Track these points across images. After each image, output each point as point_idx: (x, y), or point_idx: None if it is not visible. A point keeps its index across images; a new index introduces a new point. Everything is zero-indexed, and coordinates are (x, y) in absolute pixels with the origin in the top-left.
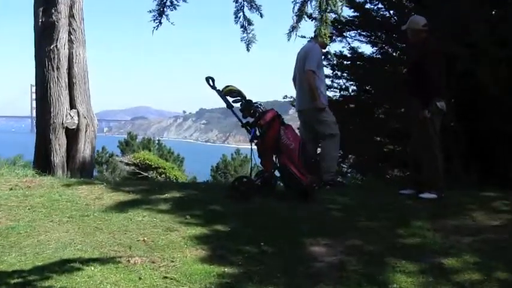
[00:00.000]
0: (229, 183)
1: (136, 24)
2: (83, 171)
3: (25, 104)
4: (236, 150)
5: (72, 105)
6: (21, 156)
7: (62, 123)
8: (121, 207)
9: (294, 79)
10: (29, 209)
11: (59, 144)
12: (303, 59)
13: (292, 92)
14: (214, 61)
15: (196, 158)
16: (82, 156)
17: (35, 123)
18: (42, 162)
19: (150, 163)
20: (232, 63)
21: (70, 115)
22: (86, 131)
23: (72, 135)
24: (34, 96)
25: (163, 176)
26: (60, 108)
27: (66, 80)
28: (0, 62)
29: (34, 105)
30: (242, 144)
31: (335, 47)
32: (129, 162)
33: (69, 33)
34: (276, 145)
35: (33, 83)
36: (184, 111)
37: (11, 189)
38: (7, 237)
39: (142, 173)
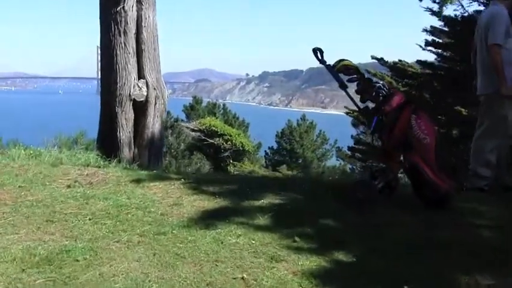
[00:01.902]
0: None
1: None
2: (151, 148)
3: (92, 65)
4: (302, 116)
5: (141, 75)
6: (84, 133)
7: (129, 95)
8: (207, 219)
9: (474, 54)
10: (89, 219)
11: (126, 119)
12: (484, 28)
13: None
14: (278, 20)
15: (260, 122)
16: (151, 131)
17: (100, 85)
18: (107, 139)
19: (216, 129)
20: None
21: (138, 86)
22: (155, 103)
23: (140, 108)
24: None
25: (229, 143)
26: (127, 77)
27: (134, 46)
28: (67, 22)
29: (100, 66)
30: (305, 108)
31: None
32: (195, 128)
33: None
34: (406, 139)
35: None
36: (247, 74)
37: (68, 186)
38: (60, 266)
39: (208, 139)
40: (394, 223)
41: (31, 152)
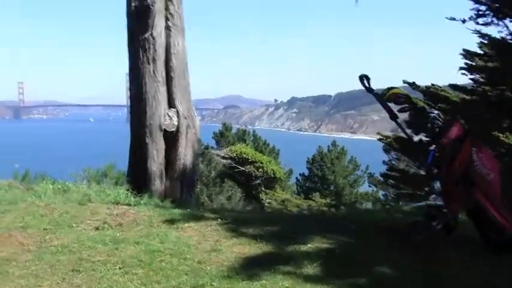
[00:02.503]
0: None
1: (228, 11)
2: (183, 180)
3: (122, 93)
4: (332, 142)
5: (171, 104)
6: (113, 166)
7: (160, 125)
8: (249, 268)
9: None
10: (119, 268)
11: (157, 150)
12: None
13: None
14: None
15: (290, 148)
16: (183, 163)
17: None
18: (137, 171)
19: (246, 157)
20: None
21: (168, 115)
22: (186, 133)
23: (171, 138)
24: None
25: (260, 170)
26: (157, 107)
27: (164, 74)
28: (97, 50)
29: (129, 93)
30: (334, 133)
31: None
32: (226, 155)
33: (166, 18)
34: (467, 175)
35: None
36: (275, 100)
37: (97, 228)
38: None
39: (239, 167)
40: (455, 269)
41: (59, 186)
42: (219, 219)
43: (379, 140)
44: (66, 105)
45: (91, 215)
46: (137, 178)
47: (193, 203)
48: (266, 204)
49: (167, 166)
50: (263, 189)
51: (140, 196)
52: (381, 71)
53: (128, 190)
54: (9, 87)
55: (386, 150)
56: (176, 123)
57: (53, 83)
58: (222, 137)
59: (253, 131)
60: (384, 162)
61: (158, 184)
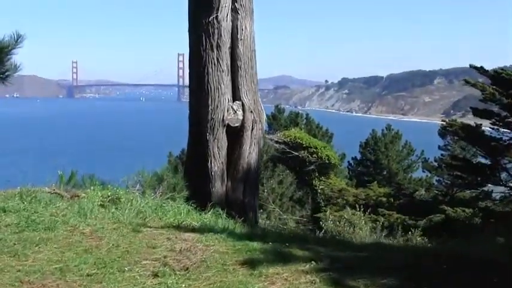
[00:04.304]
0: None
1: None
2: (246, 181)
3: (173, 72)
4: (387, 126)
5: (236, 96)
6: (170, 171)
7: (223, 120)
8: None
9: None
10: None
11: (219, 147)
12: None
13: None
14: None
15: (340, 130)
16: (247, 162)
17: (181, 92)
18: (196, 171)
19: (301, 142)
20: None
21: (233, 109)
22: (252, 129)
23: (235, 134)
24: (181, 65)
25: (314, 155)
26: (221, 99)
27: (229, 62)
28: (150, 30)
29: (181, 73)
30: (384, 115)
31: None
32: (279, 140)
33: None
34: None
35: (181, 51)
36: (326, 81)
37: (156, 275)
38: None
39: (292, 152)
40: None
41: (109, 194)
42: (312, 262)
43: (444, 127)
44: (118, 85)
45: (147, 249)
46: (196, 179)
47: (256, 207)
48: (319, 191)
49: (229, 165)
50: (317, 175)
51: (203, 211)
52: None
53: (188, 203)
54: (64, 66)
55: (442, 135)
56: (241, 118)
57: (105, 62)
58: (274, 119)
59: (307, 114)
60: (439, 147)
61: (219, 186)
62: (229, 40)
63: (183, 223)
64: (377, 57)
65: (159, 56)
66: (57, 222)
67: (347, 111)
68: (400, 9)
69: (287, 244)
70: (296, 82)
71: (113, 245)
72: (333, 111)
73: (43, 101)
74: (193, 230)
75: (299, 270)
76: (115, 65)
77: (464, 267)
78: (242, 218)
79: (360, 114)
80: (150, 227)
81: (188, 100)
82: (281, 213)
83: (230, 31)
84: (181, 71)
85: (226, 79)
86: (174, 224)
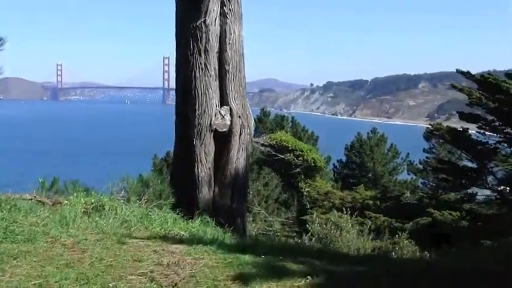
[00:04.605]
0: None
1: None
2: (234, 186)
3: (158, 75)
4: (372, 129)
5: (223, 101)
6: (156, 176)
7: (210, 125)
8: None
9: None
10: None
11: (206, 153)
12: None
13: None
14: (343, 30)
15: (325, 133)
16: (234, 167)
17: (166, 95)
18: (183, 177)
19: (286, 145)
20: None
21: (220, 114)
22: (240, 134)
23: (222, 140)
24: (166, 68)
25: (300, 158)
26: (208, 104)
27: (217, 67)
28: (133, 32)
29: (166, 76)
30: (369, 118)
31: None
32: (265, 143)
33: (222, 3)
34: None
35: (166, 54)
36: (311, 84)
37: None
38: None
39: (278, 155)
40: None
41: (92, 201)
42: (308, 277)
43: (430, 130)
44: (102, 87)
45: (133, 262)
46: (182, 184)
47: (245, 213)
48: (305, 193)
49: (216, 171)
50: (302, 177)
51: (191, 219)
52: (420, 56)
53: (174, 211)
54: (48, 68)
55: (427, 138)
56: (229, 123)
57: (90, 65)
58: (260, 122)
59: (292, 117)
60: (424, 150)
61: (206, 191)
62: (217, 44)
63: (170, 233)
64: (362, 61)
65: (144, 59)
66: (38, 233)
67: (332, 114)
68: (386, 11)
69: (280, 257)
70: (281, 85)
71: (96, 258)
72: (318, 114)
73: (27, 103)
74: (180, 241)
75: (294, 286)
76: (100, 67)
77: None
78: (230, 225)
79: (345, 117)
80: (136, 238)
81: (174, 103)
82: (267, 215)
83: (218, 35)
84: (166, 74)
85: (214, 84)
86: (161, 235)
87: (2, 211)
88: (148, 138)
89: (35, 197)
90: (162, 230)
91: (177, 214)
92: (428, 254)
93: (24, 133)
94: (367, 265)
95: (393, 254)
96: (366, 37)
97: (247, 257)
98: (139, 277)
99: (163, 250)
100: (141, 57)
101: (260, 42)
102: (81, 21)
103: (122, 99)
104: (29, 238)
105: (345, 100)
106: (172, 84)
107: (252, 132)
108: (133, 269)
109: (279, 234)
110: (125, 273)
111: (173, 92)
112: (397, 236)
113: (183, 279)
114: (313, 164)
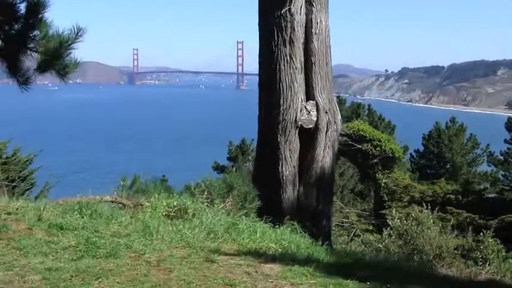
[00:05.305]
0: None
1: None
2: (320, 186)
3: (232, 61)
4: (451, 118)
5: (309, 95)
6: (239, 177)
7: (295, 121)
8: None
9: None
10: None
11: (290, 150)
12: None
13: None
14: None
15: (401, 121)
16: (320, 166)
17: (240, 80)
18: (266, 176)
19: (364, 134)
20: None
21: (306, 109)
22: (326, 130)
23: (308, 136)
24: (240, 53)
25: (378, 148)
26: (293, 99)
27: (302, 59)
28: (208, 18)
29: (240, 61)
30: (445, 106)
31: None
32: (342, 132)
33: None
34: None
35: (240, 39)
36: (386, 70)
37: None
38: None
39: (355, 144)
40: None
41: (174, 204)
42: None
43: None
44: (177, 72)
45: (224, 287)
46: (266, 183)
47: (331, 215)
48: (382, 185)
49: (301, 170)
50: (380, 168)
51: (277, 225)
52: (499, 42)
53: (260, 218)
54: (125, 53)
55: (508, 128)
56: (315, 119)
57: (165, 50)
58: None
59: (368, 105)
60: (505, 140)
61: (290, 191)
62: (303, 35)
63: (261, 247)
64: (438, 46)
65: (218, 45)
66: (120, 246)
67: (407, 101)
68: None
69: (388, 285)
70: (355, 71)
71: (184, 281)
72: (393, 101)
73: (105, 87)
74: (273, 259)
75: None
76: (174, 52)
77: None
78: (315, 228)
79: (421, 105)
80: (225, 255)
81: (247, 88)
82: (342, 206)
83: (304, 25)
84: (240, 59)
85: (300, 77)
86: (251, 249)
87: (83, 217)
88: (222, 125)
89: (116, 198)
90: (251, 242)
91: (264, 222)
92: None
93: (105, 118)
94: None
95: (477, 253)
96: (441, 25)
97: (350, 284)
98: None
99: (256, 272)
100: (216, 42)
101: (334, 26)
102: (156, 7)
103: (196, 84)
104: (111, 253)
105: (420, 87)
106: (246, 70)
107: (339, 128)
108: None
109: (355, 227)
110: None
111: (247, 77)
112: (481, 234)
113: None
114: (391, 155)
